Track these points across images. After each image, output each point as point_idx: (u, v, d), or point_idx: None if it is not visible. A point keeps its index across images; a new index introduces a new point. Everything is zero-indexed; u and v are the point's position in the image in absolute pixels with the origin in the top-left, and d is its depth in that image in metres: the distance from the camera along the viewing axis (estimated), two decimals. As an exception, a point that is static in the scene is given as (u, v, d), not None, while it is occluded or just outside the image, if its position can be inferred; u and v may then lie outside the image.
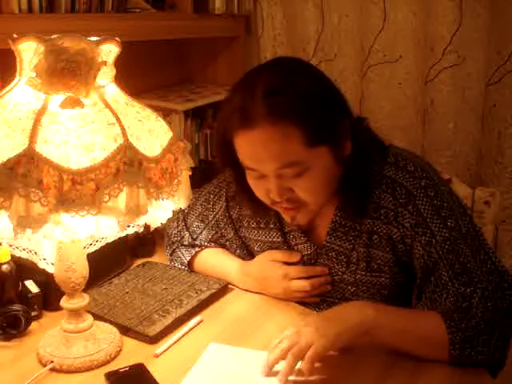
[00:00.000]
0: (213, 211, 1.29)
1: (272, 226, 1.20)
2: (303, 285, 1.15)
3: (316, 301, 1.18)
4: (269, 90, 0.96)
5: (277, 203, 1.05)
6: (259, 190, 1.06)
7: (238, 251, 1.29)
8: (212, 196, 1.29)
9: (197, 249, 1.30)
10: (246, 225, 1.25)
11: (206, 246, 1.31)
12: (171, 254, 1.35)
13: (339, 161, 1.03)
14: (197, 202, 1.32)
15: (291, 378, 0.94)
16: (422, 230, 1.02)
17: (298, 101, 0.96)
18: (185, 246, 1.33)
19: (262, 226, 1.22)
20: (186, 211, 1.33)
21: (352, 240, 1.10)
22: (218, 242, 1.31)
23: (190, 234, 1.32)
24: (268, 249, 1.22)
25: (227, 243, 1.30)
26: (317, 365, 0.96)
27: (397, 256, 1.07)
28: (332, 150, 1.00)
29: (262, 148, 0.97)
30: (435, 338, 0.96)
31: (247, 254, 1.28)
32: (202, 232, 1.31)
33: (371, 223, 1.07)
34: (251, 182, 1.07)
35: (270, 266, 1.19)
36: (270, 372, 0.94)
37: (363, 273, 1.11)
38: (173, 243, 1.35)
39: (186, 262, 1.30)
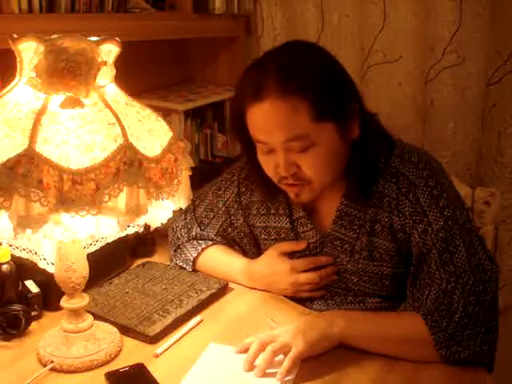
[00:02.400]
0: (224, 197, 1.30)
1: (282, 211, 1.22)
2: (312, 276, 1.16)
3: (323, 294, 1.19)
4: (280, 66, 1.02)
5: (283, 179, 1.07)
6: (268, 165, 1.09)
7: (244, 240, 1.30)
8: (224, 182, 1.31)
9: (203, 245, 1.30)
10: (254, 212, 1.26)
11: (213, 243, 1.31)
12: (175, 250, 1.34)
13: (345, 142, 1.05)
14: (208, 191, 1.34)
15: (290, 377, 0.94)
16: (420, 219, 1.04)
17: (308, 76, 1.01)
18: (191, 239, 1.32)
19: (272, 211, 1.23)
20: (197, 203, 1.34)
21: (356, 229, 1.12)
22: (227, 231, 1.31)
23: (198, 225, 1.33)
24: (275, 235, 1.24)
25: (235, 232, 1.30)
26: (317, 364, 0.97)
27: (398, 245, 1.09)
28: (338, 128, 1.03)
29: (271, 120, 1.01)
30: (417, 339, 0.98)
31: (254, 244, 1.29)
32: (210, 222, 1.32)
33: (375, 212, 1.09)
34: (261, 157, 1.09)
35: (277, 260, 1.20)
36: (250, 368, 0.96)
37: (365, 262, 1.12)
38: (178, 238, 1.34)
39: (191, 258, 1.30)
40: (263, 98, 1.00)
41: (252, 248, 1.30)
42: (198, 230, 1.32)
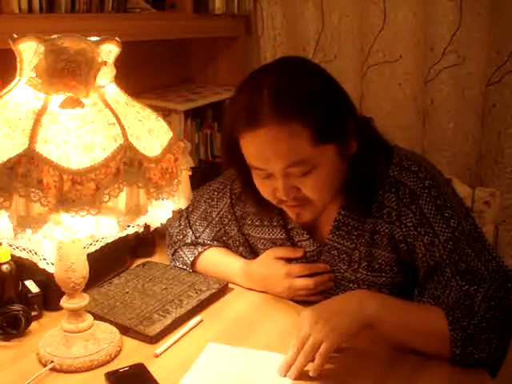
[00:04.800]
0: (217, 208, 1.29)
1: (275, 223, 1.20)
2: (307, 283, 1.16)
3: (320, 299, 1.18)
4: (275, 90, 0.97)
5: (283, 201, 1.06)
6: (265, 189, 1.07)
7: (240, 249, 1.29)
8: (216, 193, 1.30)
9: (199, 248, 1.30)
10: (249, 222, 1.25)
11: (210, 246, 1.31)
12: (173, 254, 1.35)
13: (345, 159, 1.04)
14: (201, 199, 1.32)
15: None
16: (425, 230, 1.02)
17: (304, 100, 0.97)
18: (187, 245, 1.32)
19: (265, 223, 1.22)
20: (190, 209, 1.33)
21: (354, 239, 1.11)
22: (221, 239, 1.31)
23: (192, 232, 1.32)
24: (272, 246, 1.23)
25: (230, 241, 1.30)
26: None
27: (398, 256, 1.08)
28: (338, 149, 1.02)
29: (269, 147, 0.98)
30: (436, 332, 0.96)
31: (250, 251, 1.28)
32: (204, 230, 1.31)
33: (374, 223, 1.08)
34: (257, 181, 1.07)
35: (274, 264, 1.20)
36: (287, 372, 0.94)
37: (364, 272, 1.11)
38: (174, 243, 1.35)
39: (188, 262, 1.30)
40: (259, 126, 0.96)
41: (248, 255, 1.29)
42: (193, 237, 1.32)
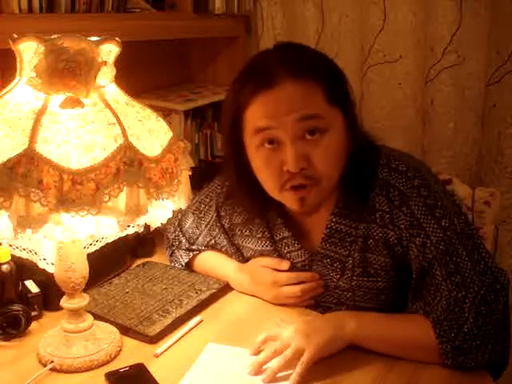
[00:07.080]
0: (204, 220, 1.28)
1: (260, 235, 1.18)
2: (294, 291, 1.14)
3: (311, 303, 1.17)
4: (287, 53, 1.03)
5: (288, 182, 1.01)
6: (272, 165, 1.01)
7: (233, 257, 1.28)
8: (203, 206, 1.28)
9: (195, 251, 1.31)
10: (239, 233, 1.23)
11: (205, 250, 1.31)
12: (171, 255, 1.35)
13: (348, 142, 1.03)
14: (188, 210, 1.31)
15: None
16: (417, 231, 1.01)
17: (317, 62, 1.04)
18: (183, 249, 1.33)
19: (253, 233, 1.20)
20: (180, 217, 1.33)
21: (347, 246, 1.08)
22: (215, 247, 1.31)
23: (186, 240, 1.33)
24: (260, 256, 1.21)
25: (223, 250, 1.29)
26: (316, 364, 0.96)
27: (394, 259, 1.06)
28: (344, 117, 1.03)
29: (283, 103, 0.98)
30: (424, 345, 0.96)
31: (243, 260, 1.26)
32: (197, 238, 1.31)
33: (366, 227, 1.06)
34: (263, 159, 1.02)
35: (260, 272, 1.19)
36: (258, 371, 0.95)
37: (360, 278, 1.09)
38: (172, 246, 1.35)
39: (183, 264, 1.31)
40: (273, 84, 0.97)
41: (243, 262, 1.26)
42: (187, 245, 1.32)
